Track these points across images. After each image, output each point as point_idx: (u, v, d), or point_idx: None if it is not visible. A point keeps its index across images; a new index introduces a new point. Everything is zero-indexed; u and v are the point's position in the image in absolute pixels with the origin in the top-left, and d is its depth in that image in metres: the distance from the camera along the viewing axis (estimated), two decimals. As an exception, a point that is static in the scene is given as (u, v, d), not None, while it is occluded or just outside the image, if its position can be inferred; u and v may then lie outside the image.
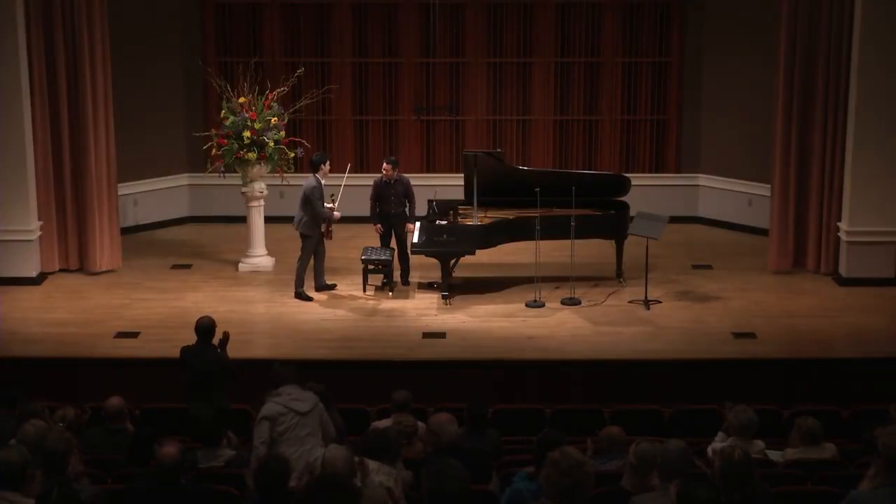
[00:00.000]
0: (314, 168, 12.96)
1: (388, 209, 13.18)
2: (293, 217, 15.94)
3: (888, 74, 13.01)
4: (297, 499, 5.53)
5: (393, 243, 13.31)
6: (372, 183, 13.35)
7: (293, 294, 12.95)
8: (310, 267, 13.04)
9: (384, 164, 13.26)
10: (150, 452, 7.14)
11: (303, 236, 12.96)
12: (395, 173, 13.17)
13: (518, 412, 9.61)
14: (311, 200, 12.74)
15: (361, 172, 15.76)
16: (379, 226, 13.27)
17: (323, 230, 12.90)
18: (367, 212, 13.42)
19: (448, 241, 12.75)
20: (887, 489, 5.56)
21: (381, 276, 13.17)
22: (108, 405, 8.53)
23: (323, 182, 12.87)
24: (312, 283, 13.09)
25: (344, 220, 14.65)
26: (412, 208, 13.25)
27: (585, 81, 16.06)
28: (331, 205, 12.84)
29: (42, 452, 6.62)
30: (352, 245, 13.98)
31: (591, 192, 13.21)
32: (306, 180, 12.96)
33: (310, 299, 12.91)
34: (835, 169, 13.53)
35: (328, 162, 13.15)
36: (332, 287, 13.18)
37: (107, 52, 13.74)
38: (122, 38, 14.51)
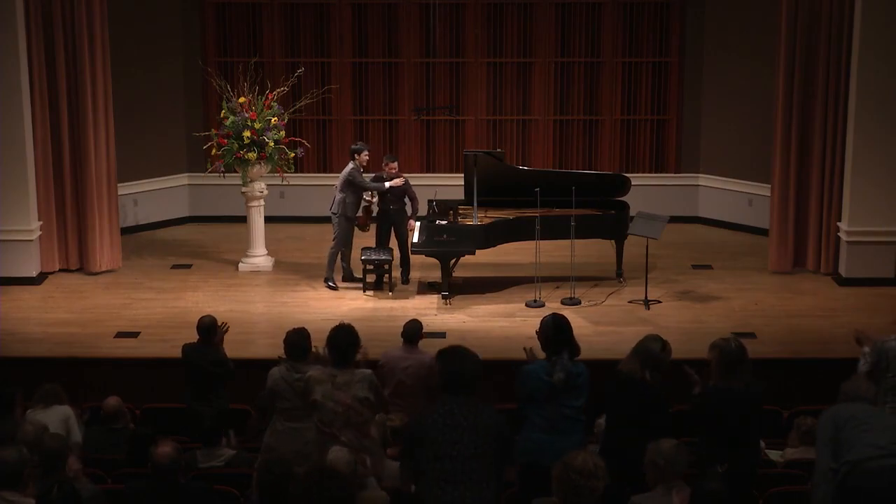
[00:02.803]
0: (351, 156, 13.11)
1: (388, 206, 13.19)
2: (294, 217, 15.97)
3: (889, 75, 13.01)
4: (295, 491, 5.57)
5: (392, 242, 13.32)
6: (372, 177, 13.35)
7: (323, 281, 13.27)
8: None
9: (389, 162, 13.25)
10: (148, 452, 7.15)
11: (335, 220, 13.10)
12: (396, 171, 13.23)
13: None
14: (354, 181, 12.92)
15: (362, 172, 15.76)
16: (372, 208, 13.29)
17: (358, 221, 13.09)
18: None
19: (448, 240, 12.75)
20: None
21: (375, 276, 13.16)
22: (106, 405, 8.55)
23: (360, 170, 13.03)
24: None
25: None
26: (415, 206, 13.27)
27: (585, 81, 16.06)
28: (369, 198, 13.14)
29: (40, 452, 6.63)
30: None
31: (591, 192, 13.20)
32: (345, 169, 13.15)
33: (335, 288, 13.10)
34: (835, 169, 13.53)
35: (365, 152, 13.16)
36: (360, 280, 13.24)
37: (107, 52, 13.73)
38: (122, 38, 14.51)
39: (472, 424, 6.06)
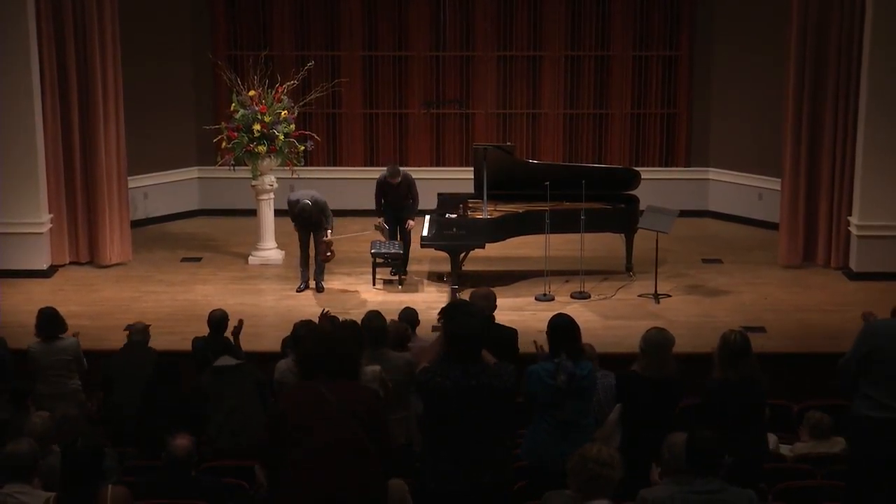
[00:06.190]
0: None
1: (398, 204, 13.17)
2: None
3: (899, 68, 12.99)
4: (305, 353, 5.74)
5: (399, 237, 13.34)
6: (376, 182, 13.31)
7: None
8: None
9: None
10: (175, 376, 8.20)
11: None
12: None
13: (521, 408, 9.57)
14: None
15: (371, 166, 15.77)
16: (382, 220, 13.21)
17: (326, 258, 12.92)
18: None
19: (458, 234, 12.74)
20: None
21: (390, 269, 13.19)
22: (135, 326, 9.59)
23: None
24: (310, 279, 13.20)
25: (354, 213, 14.67)
26: (414, 206, 13.19)
27: (595, 75, 16.04)
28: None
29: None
30: (362, 238, 13.98)
31: (601, 185, 13.19)
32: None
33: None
34: (845, 163, 13.50)
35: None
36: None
37: (117, 45, 13.75)
38: (132, 31, 14.52)
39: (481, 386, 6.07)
